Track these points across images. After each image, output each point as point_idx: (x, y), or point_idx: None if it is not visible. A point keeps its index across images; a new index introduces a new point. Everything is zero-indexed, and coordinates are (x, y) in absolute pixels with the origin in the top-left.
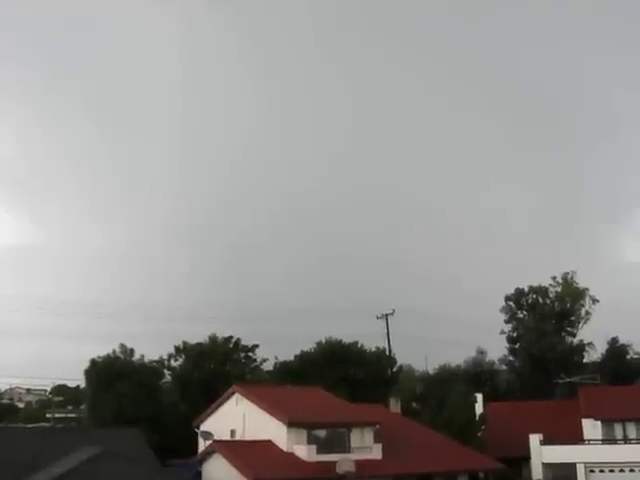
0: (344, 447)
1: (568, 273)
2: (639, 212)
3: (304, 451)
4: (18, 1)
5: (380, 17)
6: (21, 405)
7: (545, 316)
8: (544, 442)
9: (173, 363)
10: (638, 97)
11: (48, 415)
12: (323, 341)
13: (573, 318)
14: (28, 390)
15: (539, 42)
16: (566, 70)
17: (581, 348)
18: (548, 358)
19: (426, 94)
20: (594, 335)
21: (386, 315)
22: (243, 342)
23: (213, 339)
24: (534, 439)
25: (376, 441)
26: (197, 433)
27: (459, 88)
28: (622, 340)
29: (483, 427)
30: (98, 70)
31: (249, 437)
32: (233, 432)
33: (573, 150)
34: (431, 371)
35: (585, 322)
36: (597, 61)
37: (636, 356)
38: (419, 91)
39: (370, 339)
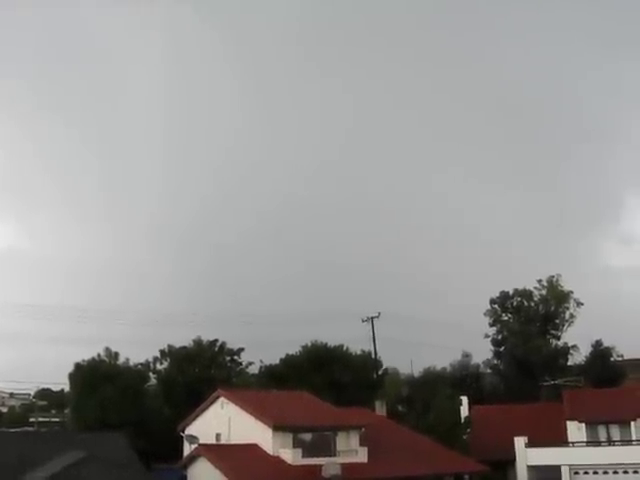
0: (330, 451)
1: (553, 276)
2: (622, 216)
3: (290, 455)
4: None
5: (366, 17)
6: (4, 409)
7: (530, 319)
8: (529, 445)
9: (158, 367)
10: (621, 101)
11: (32, 419)
12: (309, 345)
13: (557, 321)
14: (11, 394)
15: (525, 42)
16: (550, 72)
17: (565, 351)
18: (533, 361)
19: (417, 97)
20: (578, 338)
21: (372, 318)
22: (228, 346)
23: (198, 342)
24: (519, 442)
25: (362, 444)
26: (182, 437)
27: (446, 90)
28: (606, 343)
29: (468, 430)
30: (79, 71)
31: (234, 441)
32: (218, 436)
33: (557, 153)
34: (416, 374)
35: (569, 325)
36: (579, 64)
37: (620, 359)
38: (411, 95)
39: (356, 342)
